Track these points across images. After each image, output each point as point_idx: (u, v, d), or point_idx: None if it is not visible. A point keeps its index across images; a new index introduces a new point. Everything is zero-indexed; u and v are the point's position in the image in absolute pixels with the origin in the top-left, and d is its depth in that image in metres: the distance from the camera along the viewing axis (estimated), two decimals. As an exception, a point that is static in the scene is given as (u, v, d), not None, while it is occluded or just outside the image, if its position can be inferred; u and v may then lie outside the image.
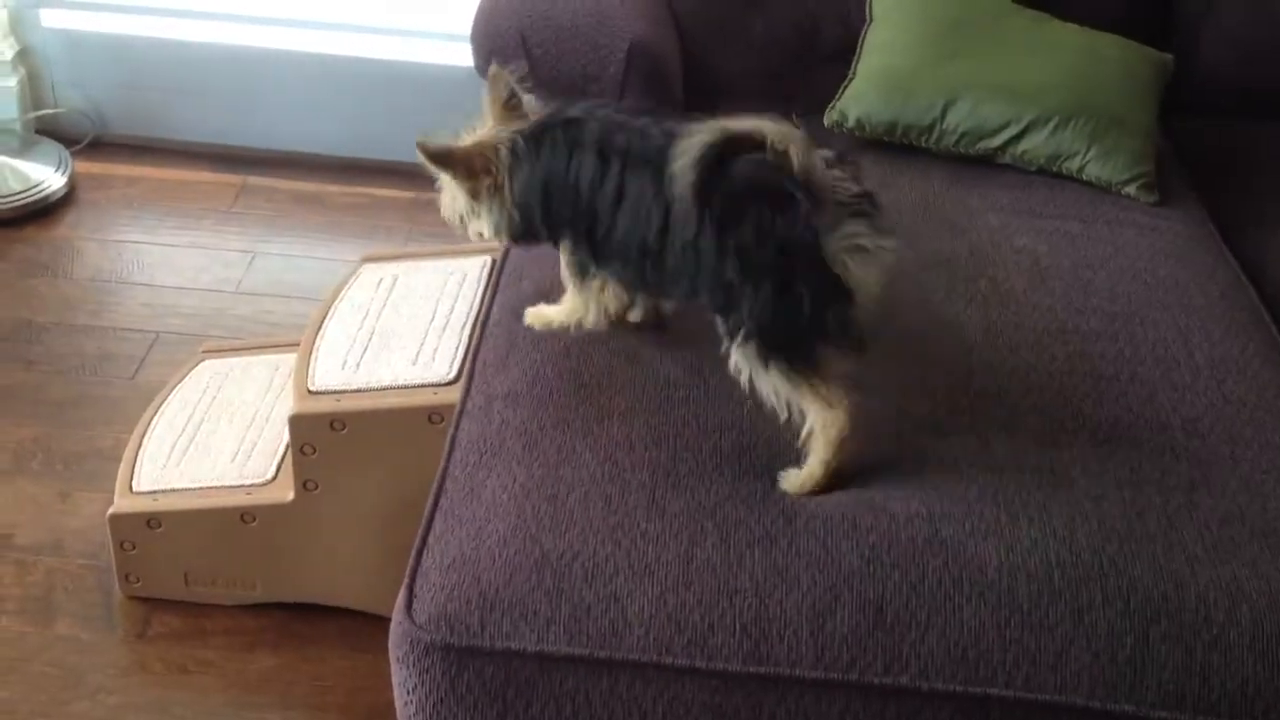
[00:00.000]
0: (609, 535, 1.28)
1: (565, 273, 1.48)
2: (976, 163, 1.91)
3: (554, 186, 1.40)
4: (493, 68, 1.44)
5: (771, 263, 1.27)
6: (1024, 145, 1.89)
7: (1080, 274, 1.68)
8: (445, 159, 1.41)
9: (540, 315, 1.55)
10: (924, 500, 1.32)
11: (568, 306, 1.50)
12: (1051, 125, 1.88)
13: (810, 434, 1.32)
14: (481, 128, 1.44)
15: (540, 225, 1.43)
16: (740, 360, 1.32)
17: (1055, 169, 1.89)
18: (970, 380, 1.48)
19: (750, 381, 1.32)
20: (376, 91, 2.73)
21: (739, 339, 1.31)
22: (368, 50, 2.72)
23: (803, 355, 1.29)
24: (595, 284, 1.45)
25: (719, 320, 1.34)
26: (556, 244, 1.46)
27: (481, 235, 1.48)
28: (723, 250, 1.29)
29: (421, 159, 1.41)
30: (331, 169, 2.78)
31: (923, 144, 1.92)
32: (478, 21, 1.99)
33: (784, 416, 1.32)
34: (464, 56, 2.09)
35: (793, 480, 1.34)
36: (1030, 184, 1.88)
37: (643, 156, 1.34)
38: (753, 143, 1.25)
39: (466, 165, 1.41)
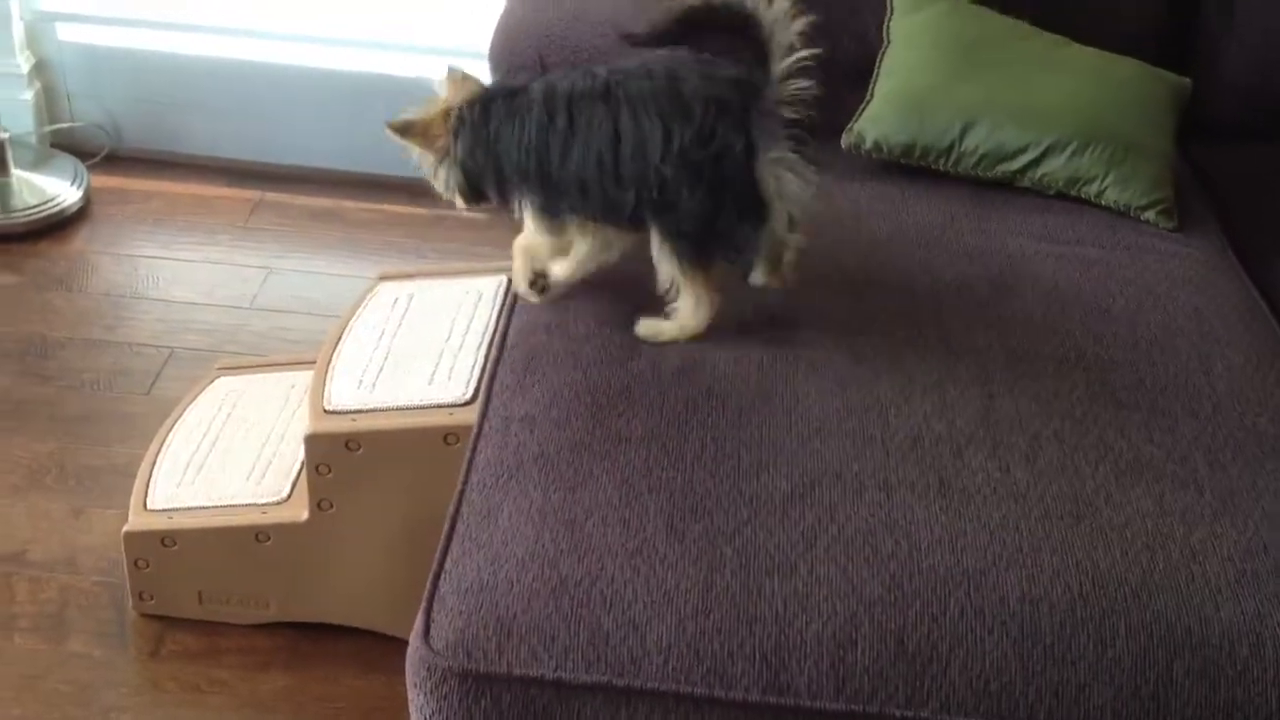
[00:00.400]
0: (627, 561, 1.28)
1: (536, 226, 1.59)
2: (995, 186, 1.90)
3: (504, 147, 1.53)
4: (451, 71, 1.59)
5: (707, 167, 1.43)
6: (1042, 169, 1.89)
7: (1100, 301, 1.67)
8: (406, 129, 1.58)
9: (553, 286, 1.62)
10: (945, 526, 1.31)
11: (570, 258, 1.60)
12: (1070, 149, 1.88)
13: (677, 311, 1.53)
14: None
15: (491, 184, 1.57)
16: (657, 251, 1.49)
17: (1074, 193, 1.89)
18: (990, 405, 1.48)
19: (656, 265, 1.51)
20: (393, 108, 2.72)
21: (664, 238, 1.48)
22: (384, 66, 2.72)
23: (702, 255, 1.49)
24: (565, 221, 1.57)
25: (654, 225, 1.48)
26: (509, 203, 1.58)
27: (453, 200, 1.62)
28: (667, 146, 1.43)
29: (389, 134, 1.58)
30: (347, 185, 2.78)
31: (941, 167, 1.91)
32: (496, 41, 1.99)
33: (664, 289, 1.52)
34: (481, 75, 2.09)
35: (646, 328, 1.55)
36: (1049, 208, 1.87)
37: (589, 92, 1.49)
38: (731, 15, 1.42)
39: (424, 133, 1.57)
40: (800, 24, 1.41)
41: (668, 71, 1.46)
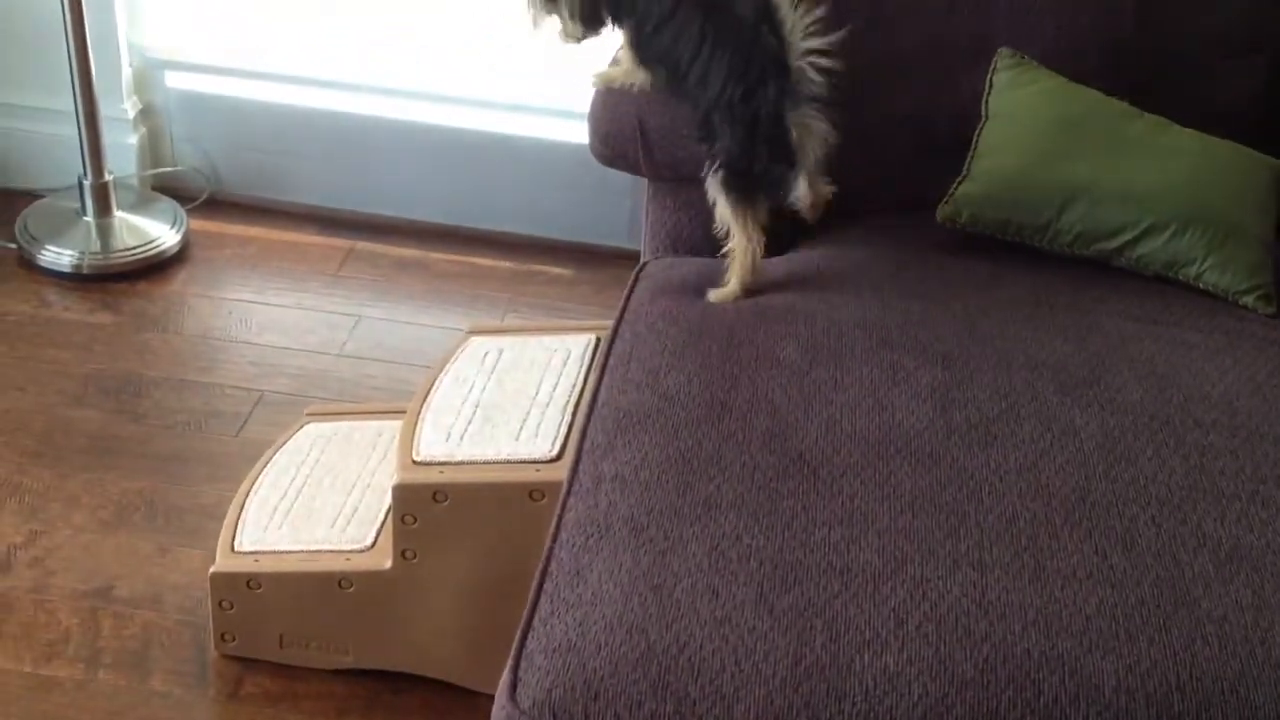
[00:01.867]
0: (716, 630, 1.27)
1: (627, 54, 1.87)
2: (1091, 265, 1.89)
3: None
4: None
5: (747, 118, 1.68)
6: (1140, 250, 1.87)
7: (1198, 385, 1.65)
8: None
9: (604, 75, 1.93)
10: (1039, 610, 1.29)
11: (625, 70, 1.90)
12: (1169, 231, 1.86)
13: (731, 255, 1.75)
14: None
15: (603, 8, 1.81)
16: (712, 187, 1.73)
17: (1172, 275, 1.87)
18: (1087, 487, 1.46)
19: (714, 205, 1.74)
20: (485, 163, 2.78)
21: (714, 167, 1.72)
22: (477, 123, 2.77)
23: (747, 194, 1.73)
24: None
25: (704, 148, 1.74)
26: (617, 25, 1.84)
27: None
28: (720, 95, 1.69)
29: None
30: (436, 236, 2.82)
31: (1036, 243, 1.90)
32: (596, 102, 2.01)
33: (721, 233, 1.76)
34: (572, 133, 2.13)
35: (716, 294, 1.75)
36: (1146, 289, 1.85)
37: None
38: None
39: None
40: (813, 16, 1.66)
41: (755, 24, 1.67)
